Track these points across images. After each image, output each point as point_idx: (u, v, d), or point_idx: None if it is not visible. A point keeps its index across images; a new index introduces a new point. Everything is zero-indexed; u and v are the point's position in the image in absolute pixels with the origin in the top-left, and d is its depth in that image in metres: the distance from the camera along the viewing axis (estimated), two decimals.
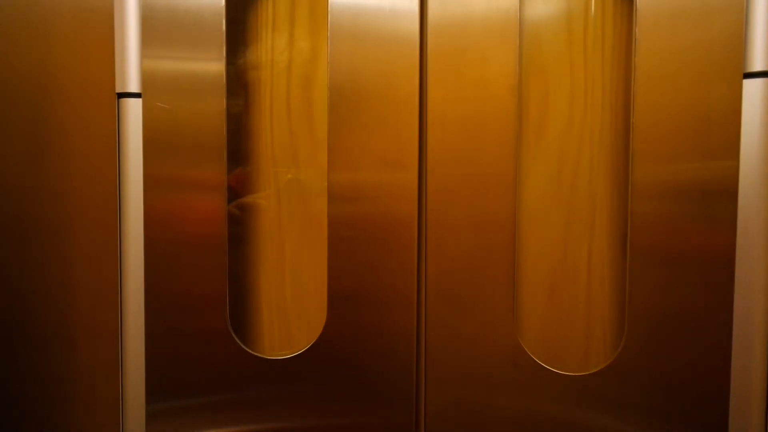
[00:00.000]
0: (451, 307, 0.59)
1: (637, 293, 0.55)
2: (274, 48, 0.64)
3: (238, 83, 0.64)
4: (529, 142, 0.60)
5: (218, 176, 0.60)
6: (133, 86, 0.61)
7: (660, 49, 0.54)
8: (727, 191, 0.53)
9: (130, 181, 0.62)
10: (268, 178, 0.65)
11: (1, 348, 0.65)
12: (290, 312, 0.66)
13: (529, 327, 0.61)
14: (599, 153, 0.59)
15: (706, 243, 0.53)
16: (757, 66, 0.52)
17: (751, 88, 0.52)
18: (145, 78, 0.60)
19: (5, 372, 0.65)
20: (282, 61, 0.64)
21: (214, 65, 0.60)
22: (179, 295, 0.62)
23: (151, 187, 0.61)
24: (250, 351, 0.62)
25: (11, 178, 0.63)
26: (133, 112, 0.61)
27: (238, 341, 0.62)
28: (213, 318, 0.62)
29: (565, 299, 0.60)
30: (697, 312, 0.54)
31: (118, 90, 0.61)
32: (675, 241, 0.54)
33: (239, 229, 0.65)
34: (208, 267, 0.61)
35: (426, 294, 0.59)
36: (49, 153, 0.63)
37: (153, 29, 0.60)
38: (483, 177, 0.57)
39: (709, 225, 0.53)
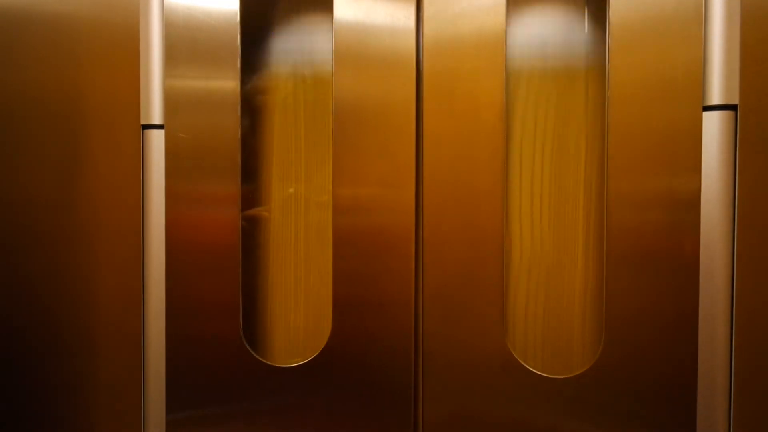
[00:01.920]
0: (446, 314, 0.62)
1: (613, 298, 0.59)
2: (284, 72, 0.68)
3: (252, 106, 0.69)
4: (515, 163, 0.64)
5: (233, 192, 0.64)
6: (156, 118, 0.65)
7: (629, 81, 0.58)
8: (691, 203, 0.57)
9: (153, 198, 0.66)
10: (277, 193, 0.69)
11: (27, 354, 0.67)
12: (298, 321, 0.69)
13: (516, 332, 0.65)
14: (578, 170, 0.64)
15: (674, 249, 0.58)
16: (714, 100, 0.56)
17: (709, 119, 0.56)
18: (167, 110, 0.65)
19: (31, 378, 0.68)
20: (291, 85, 0.68)
21: (230, 92, 0.64)
22: (197, 303, 0.65)
23: (172, 204, 0.65)
24: (261, 359, 0.65)
25: (44, 195, 0.67)
26: (156, 141, 0.65)
27: (249, 350, 0.65)
28: (227, 326, 0.65)
29: (550, 305, 0.64)
30: (665, 313, 0.58)
31: (143, 122, 0.66)
32: (646, 248, 0.58)
33: (250, 240, 0.68)
34: (224, 276, 0.64)
35: (423, 302, 0.63)
36: (79, 174, 0.66)
37: (174, 63, 0.64)
38: (474, 195, 0.61)
39: (676, 234, 0.57)
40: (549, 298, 0.65)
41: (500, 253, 0.61)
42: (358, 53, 0.62)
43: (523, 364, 0.61)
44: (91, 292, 0.67)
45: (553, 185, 0.64)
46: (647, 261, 0.58)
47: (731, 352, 0.57)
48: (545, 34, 0.65)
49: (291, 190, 0.69)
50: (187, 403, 0.66)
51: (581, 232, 0.64)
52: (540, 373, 0.61)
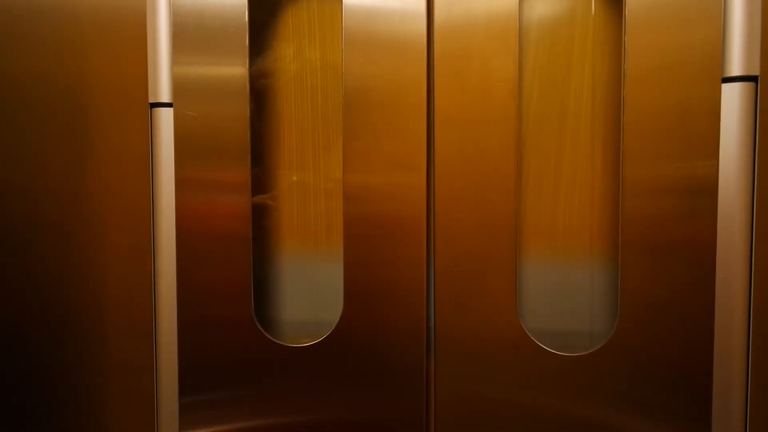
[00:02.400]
0: (459, 295, 0.62)
1: (628, 281, 0.59)
2: (292, 55, 0.68)
3: (259, 89, 0.68)
4: (529, 143, 0.64)
5: (242, 176, 0.64)
6: (165, 97, 0.65)
7: (647, 56, 0.57)
8: (708, 187, 0.56)
9: (162, 182, 0.66)
10: (286, 178, 0.69)
11: (38, 340, 0.68)
12: (310, 304, 0.69)
13: (530, 312, 0.64)
14: (593, 152, 0.63)
15: (690, 235, 0.57)
16: (734, 71, 0.55)
17: (729, 91, 0.55)
18: (176, 89, 0.65)
19: (45, 364, 0.68)
20: (299, 68, 0.68)
21: (238, 73, 0.63)
22: (209, 287, 0.65)
23: (182, 187, 0.65)
24: (272, 338, 0.65)
25: (53, 180, 0.67)
26: (165, 120, 0.65)
27: (261, 329, 0.65)
28: (239, 308, 0.65)
29: (564, 288, 0.64)
30: (681, 297, 0.57)
31: (151, 100, 0.65)
32: (662, 233, 0.57)
33: (261, 222, 0.69)
34: (234, 260, 0.65)
35: (435, 286, 0.63)
36: (87, 157, 0.67)
37: (182, 42, 0.64)
38: (486, 176, 0.61)
39: (692, 218, 0.57)
40: (563, 276, 0.64)
41: (513, 233, 0.61)
42: (368, 35, 0.62)
43: (537, 342, 0.61)
44: (102, 274, 0.67)
45: (567, 165, 0.63)
46: (663, 243, 0.57)
47: (748, 337, 0.57)
48: (559, 11, 0.64)
49: (294, 178, 0.69)
50: (200, 386, 0.66)
51: (596, 212, 0.63)
52: (552, 350, 0.61)
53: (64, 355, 0.68)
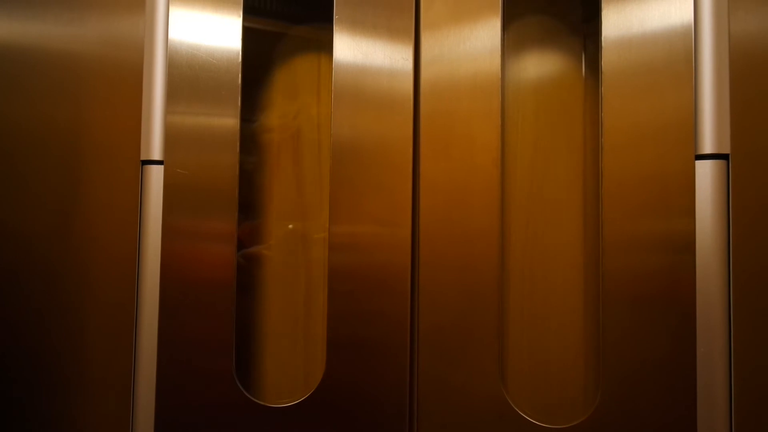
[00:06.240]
0: (440, 359, 0.61)
1: (610, 346, 0.58)
2: (283, 112, 0.70)
3: (251, 144, 0.69)
4: (511, 206, 0.65)
5: (229, 229, 0.64)
6: (156, 154, 0.66)
7: (623, 127, 0.58)
8: (686, 251, 0.57)
9: (149, 235, 0.66)
10: (274, 230, 0.69)
11: (18, 389, 0.66)
12: (293, 360, 0.68)
13: (512, 378, 0.64)
14: (575, 214, 0.64)
15: (670, 298, 0.57)
16: (706, 149, 0.57)
17: (702, 168, 0.57)
18: (167, 146, 0.65)
19: (20, 418, 0.67)
20: (291, 123, 0.69)
21: (230, 130, 0.64)
22: (190, 341, 0.64)
23: (168, 240, 0.65)
24: (253, 399, 0.64)
25: (41, 227, 0.67)
26: (155, 176, 0.66)
27: (241, 389, 0.64)
28: (220, 365, 0.64)
29: (548, 352, 0.64)
30: (663, 362, 0.57)
31: (143, 158, 0.66)
32: (643, 296, 0.57)
33: (246, 278, 0.68)
34: (218, 314, 0.64)
35: (418, 346, 0.62)
36: (77, 208, 0.67)
37: (176, 100, 0.65)
38: (470, 238, 0.61)
39: (671, 281, 0.57)
40: (546, 344, 0.64)
41: (497, 297, 0.61)
42: (356, 94, 0.63)
43: (519, 412, 0.60)
44: (83, 327, 0.66)
45: (550, 229, 0.64)
46: (644, 309, 0.57)
47: (731, 401, 0.56)
48: (541, 78, 0.66)
49: (290, 226, 0.69)
50: None
51: (579, 278, 0.64)
52: (536, 422, 0.60)
53: (40, 404, 0.66)
